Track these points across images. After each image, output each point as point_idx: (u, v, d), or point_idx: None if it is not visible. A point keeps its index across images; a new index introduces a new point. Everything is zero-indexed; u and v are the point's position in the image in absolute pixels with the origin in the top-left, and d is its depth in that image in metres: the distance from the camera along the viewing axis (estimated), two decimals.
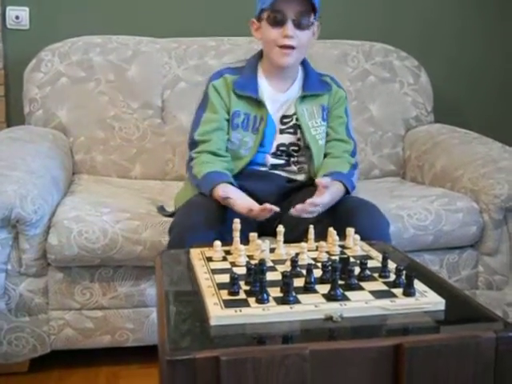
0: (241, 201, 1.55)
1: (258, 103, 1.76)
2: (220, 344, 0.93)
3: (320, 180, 1.55)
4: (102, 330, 1.81)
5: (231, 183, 1.64)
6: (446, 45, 2.83)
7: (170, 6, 2.59)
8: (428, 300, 1.05)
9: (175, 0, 2.60)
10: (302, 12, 1.69)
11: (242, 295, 1.06)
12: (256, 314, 0.99)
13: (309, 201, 1.51)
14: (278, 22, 1.70)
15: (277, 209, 1.50)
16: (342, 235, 1.37)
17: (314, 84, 1.82)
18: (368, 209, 1.62)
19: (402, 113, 2.51)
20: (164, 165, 2.33)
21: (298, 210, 1.51)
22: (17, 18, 2.51)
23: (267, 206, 1.49)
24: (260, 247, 1.27)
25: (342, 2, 2.71)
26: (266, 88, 1.80)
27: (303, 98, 1.79)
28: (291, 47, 1.71)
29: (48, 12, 2.52)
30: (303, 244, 1.29)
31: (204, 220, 1.54)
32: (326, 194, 1.54)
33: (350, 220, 1.49)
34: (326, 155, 1.80)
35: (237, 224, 1.33)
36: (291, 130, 1.80)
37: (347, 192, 1.68)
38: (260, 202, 1.72)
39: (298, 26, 1.70)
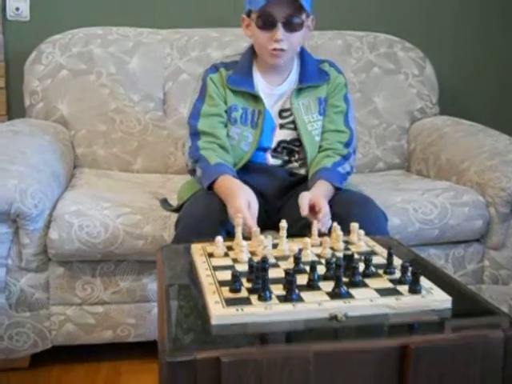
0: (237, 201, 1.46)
1: (255, 98, 1.73)
2: (221, 344, 0.91)
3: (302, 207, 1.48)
4: (103, 326, 1.79)
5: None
6: (452, 36, 2.79)
7: None
8: (434, 298, 1.03)
9: None
10: (291, 14, 1.63)
11: (244, 293, 1.04)
12: (258, 312, 0.97)
13: (320, 217, 1.45)
14: (267, 25, 1.64)
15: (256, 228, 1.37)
16: (344, 230, 1.34)
17: (312, 75, 1.76)
18: (364, 203, 1.59)
19: (406, 105, 2.48)
20: (166, 158, 2.30)
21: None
22: (17, 9, 2.48)
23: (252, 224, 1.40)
24: (262, 243, 1.25)
25: None
26: (261, 82, 1.76)
27: (299, 90, 1.75)
28: (281, 50, 1.66)
29: (48, 3, 2.50)
30: (307, 239, 1.26)
31: (211, 213, 1.52)
32: (320, 204, 1.48)
33: (346, 215, 1.46)
34: (319, 147, 1.74)
35: (239, 219, 1.31)
36: (292, 126, 1.76)
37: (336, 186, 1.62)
38: (261, 196, 1.70)
39: (289, 28, 1.64)
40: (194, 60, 2.37)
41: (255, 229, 1.36)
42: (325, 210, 1.48)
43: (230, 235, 1.47)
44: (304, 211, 1.48)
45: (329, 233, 1.36)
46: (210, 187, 1.59)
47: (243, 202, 1.46)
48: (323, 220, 1.45)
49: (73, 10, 2.50)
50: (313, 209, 1.50)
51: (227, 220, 1.50)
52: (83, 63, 2.31)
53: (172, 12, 2.56)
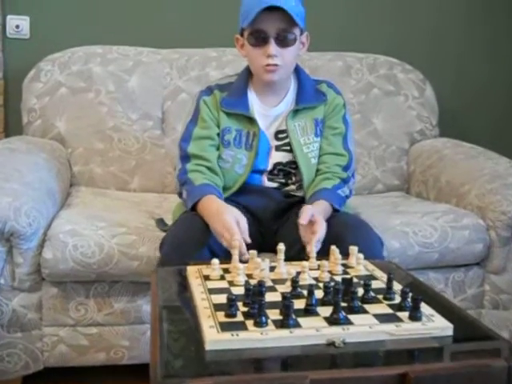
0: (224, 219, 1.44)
1: (250, 119, 1.70)
2: (215, 371, 0.88)
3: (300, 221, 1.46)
4: (96, 348, 1.76)
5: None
6: (452, 58, 2.79)
7: (171, 17, 2.56)
8: (435, 325, 1.00)
9: (176, 11, 2.57)
10: (283, 29, 1.61)
11: (240, 317, 1.01)
12: (254, 338, 0.94)
13: (313, 242, 1.41)
14: (259, 41, 1.62)
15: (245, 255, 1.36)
16: (343, 254, 1.32)
17: (308, 95, 1.73)
18: (360, 226, 1.56)
19: (406, 126, 2.47)
20: (163, 177, 2.29)
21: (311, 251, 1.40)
22: (17, 27, 2.48)
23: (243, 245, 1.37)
24: (260, 266, 1.22)
25: (346, 15, 2.68)
26: (257, 103, 1.73)
27: (296, 111, 1.72)
28: (275, 65, 1.63)
29: (49, 21, 2.50)
30: (304, 263, 1.24)
31: (194, 234, 1.50)
32: (320, 225, 1.45)
33: (341, 238, 1.43)
34: (317, 171, 1.71)
35: (236, 242, 1.29)
36: (288, 148, 1.72)
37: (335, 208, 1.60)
38: (256, 218, 1.68)
39: (281, 43, 1.62)
40: (194, 79, 2.36)
41: (249, 240, 1.36)
42: (320, 234, 1.43)
43: (214, 255, 1.44)
44: (303, 220, 1.44)
45: (327, 255, 1.33)
46: (195, 208, 1.56)
47: (231, 218, 1.43)
48: (315, 244, 1.41)
49: (73, 29, 2.50)
50: (310, 225, 1.46)
51: (211, 239, 1.47)
52: (82, 81, 2.30)
53: (172, 32, 2.56)
